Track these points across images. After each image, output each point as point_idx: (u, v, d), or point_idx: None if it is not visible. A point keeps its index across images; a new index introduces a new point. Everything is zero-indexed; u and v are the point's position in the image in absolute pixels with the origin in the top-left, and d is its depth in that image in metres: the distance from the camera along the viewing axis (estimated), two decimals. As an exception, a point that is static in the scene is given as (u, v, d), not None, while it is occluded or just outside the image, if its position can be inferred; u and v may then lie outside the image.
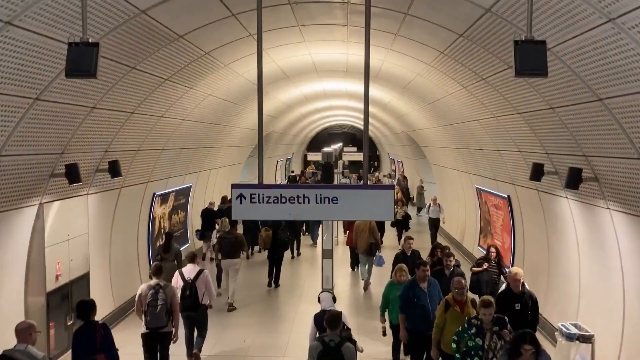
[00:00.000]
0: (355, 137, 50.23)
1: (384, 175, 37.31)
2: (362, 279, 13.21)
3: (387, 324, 8.32)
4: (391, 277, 8.70)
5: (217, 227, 13.87)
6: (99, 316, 9.32)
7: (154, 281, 7.75)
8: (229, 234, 11.51)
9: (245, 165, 23.71)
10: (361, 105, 6.34)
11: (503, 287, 8.18)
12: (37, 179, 7.15)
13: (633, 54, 4.67)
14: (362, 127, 7.07)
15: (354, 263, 14.52)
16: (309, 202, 6.01)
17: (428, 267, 7.78)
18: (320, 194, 6.02)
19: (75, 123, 7.27)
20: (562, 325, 7.79)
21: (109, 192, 9.72)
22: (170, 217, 13.56)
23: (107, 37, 6.09)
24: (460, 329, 6.35)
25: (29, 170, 6.83)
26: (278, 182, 33.02)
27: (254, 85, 12.39)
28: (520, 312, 7.14)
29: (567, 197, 8.68)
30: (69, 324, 8.29)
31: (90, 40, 4.62)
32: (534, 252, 10.75)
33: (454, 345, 6.37)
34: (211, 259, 14.45)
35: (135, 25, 6.29)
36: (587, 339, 7.35)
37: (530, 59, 4.47)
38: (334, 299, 7.25)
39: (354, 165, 39.63)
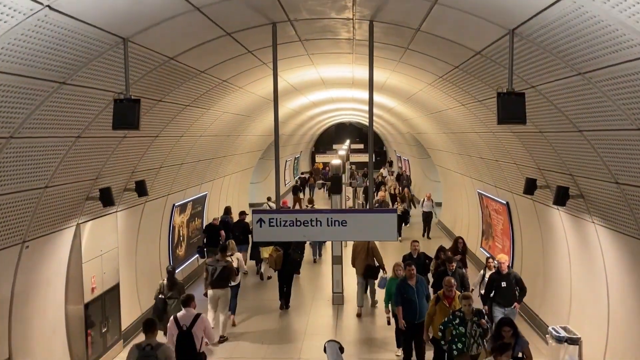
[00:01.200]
0: (362, 132, 50.84)
1: (389, 172, 38.12)
2: (358, 305, 11.92)
3: (391, 314, 9.74)
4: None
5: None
6: (127, 321, 10.21)
7: (144, 341, 6.63)
8: (216, 262, 10.47)
9: (255, 167, 24.48)
10: (367, 107, 6.93)
11: (493, 270, 10.05)
12: (75, 203, 7.95)
13: (601, 101, 5.38)
14: (367, 123, 7.71)
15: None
16: (320, 225, 6.79)
17: (413, 267, 9.20)
18: (331, 218, 6.79)
19: (108, 152, 8.05)
20: (552, 328, 8.53)
21: (135, 207, 10.52)
22: (188, 224, 14.36)
23: (140, 80, 6.85)
24: (446, 319, 7.69)
25: (69, 196, 7.62)
26: (287, 182, 33.78)
27: (265, 99, 13.20)
28: (506, 288, 9.40)
29: (558, 209, 9.38)
30: (103, 331, 9.11)
31: (132, 97, 5.38)
32: (531, 256, 11.48)
33: (440, 333, 7.67)
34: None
35: (164, 68, 7.05)
36: (574, 341, 8.09)
37: (511, 109, 5.21)
38: (341, 349, 6.88)
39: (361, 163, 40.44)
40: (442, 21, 5.93)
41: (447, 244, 17.88)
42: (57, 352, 8.11)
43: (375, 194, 20.60)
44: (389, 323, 9.92)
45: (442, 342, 7.65)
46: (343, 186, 13.08)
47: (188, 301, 7.74)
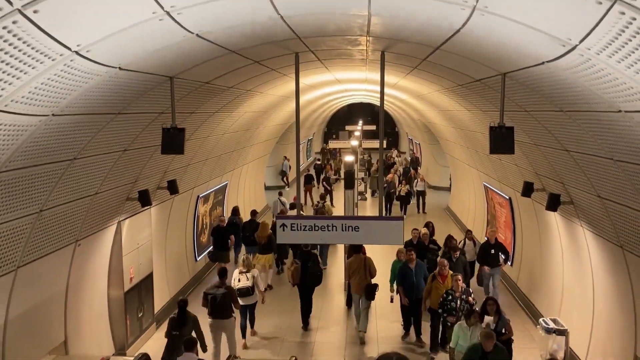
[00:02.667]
0: (374, 110, 51.32)
1: (398, 153, 39.13)
2: (360, 331, 10.81)
3: (394, 292, 11.14)
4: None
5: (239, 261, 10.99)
6: (159, 305, 11.24)
7: None
8: (216, 288, 9.38)
9: (270, 152, 25.38)
10: (379, 91, 7.79)
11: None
12: (118, 204, 8.95)
13: (581, 132, 6.22)
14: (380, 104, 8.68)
15: (350, 300, 12.16)
16: (336, 230, 7.72)
17: (412, 252, 10.70)
18: (345, 224, 7.73)
19: (146, 158, 9.00)
20: (542, 320, 9.46)
21: (165, 202, 11.51)
22: (211, 213, 15.35)
23: (179, 101, 7.76)
24: (441, 299, 9.45)
25: (113, 199, 8.61)
26: (301, 165, 34.64)
27: (283, 97, 14.07)
28: (494, 254, 11.98)
29: (553, 210, 10.25)
30: (139, 315, 10.18)
31: (178, 127, 6.30)
32: (529, 250, 12.38)
33: (440, 309, 9.48)
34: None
35: (199, 90, 7.96)
36: (561, 332, 9.03)
37: (502, 141, 6.07)
38: None
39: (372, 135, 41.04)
40: (445, 59, 6.76)
41: (451, 228, 18.92)
42: (101, 335, 9.21)
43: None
44: (391, 301, 11.24)
45: (440, 311, 9.50)
46: (355, 181, 13.95)
47: (190, 345, 7.41)
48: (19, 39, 3.53)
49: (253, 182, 21.33)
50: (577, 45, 3.86)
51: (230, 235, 13.73)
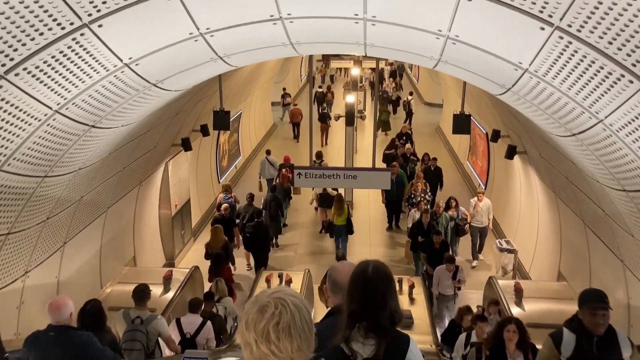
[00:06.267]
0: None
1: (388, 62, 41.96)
2: None
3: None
4: None
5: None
6: (194, 222, 13.83)
7: (134, 311, 6.04)
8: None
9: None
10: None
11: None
12: (166, 149, 11.29)
13: (525, 118, 8.47)
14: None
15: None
16: (339, 177, 10.14)
17: (395, 167, 14.25)
18: (346, 173, 10.14)
19: (187, 112, 11.23)
20: (498, 241, 12.10)
21: (196, 140, 13.77)
22: (229, 140, 17.66)
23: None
24: (407, 196, 13.64)
25: (163, 147, 10.94)
26: (303, 77, 36.33)
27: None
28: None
29: (515, 153, 12.60)
30: (182, 233, 12.82)
31: (225, 109, 8.52)
32: (499, 179, 14.88)
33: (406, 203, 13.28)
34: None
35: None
36: (511, 251, 11.68)
37: (461, 124, 8.32)
38: None
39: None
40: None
41: (438, 147, 21.25)
42: (156, 250, 11.89)
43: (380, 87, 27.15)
44: (382, 202, 14.81)
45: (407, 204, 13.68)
46: (355, 119, 16.06)
47: (197, 306, 7.08)
48: (121, 83, 5.76)
49: (262, 104, 23.40)
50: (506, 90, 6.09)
51: (234, 229, 11.99)
